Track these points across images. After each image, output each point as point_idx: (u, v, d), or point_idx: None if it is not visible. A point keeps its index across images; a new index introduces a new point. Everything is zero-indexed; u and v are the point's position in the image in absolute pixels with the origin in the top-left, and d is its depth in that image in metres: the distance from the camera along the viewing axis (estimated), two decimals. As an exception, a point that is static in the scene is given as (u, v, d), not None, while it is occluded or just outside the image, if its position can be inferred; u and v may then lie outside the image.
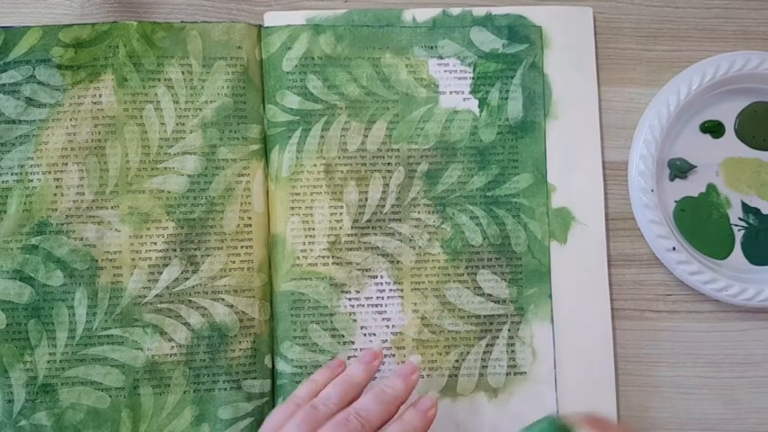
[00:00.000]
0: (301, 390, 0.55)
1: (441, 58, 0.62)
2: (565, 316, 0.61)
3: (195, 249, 0.59)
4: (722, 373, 0.61)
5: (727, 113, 0.63)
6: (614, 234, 0.62)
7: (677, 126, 0.62)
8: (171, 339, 0.58)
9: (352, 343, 0.60)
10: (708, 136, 0.63)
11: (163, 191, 0.59)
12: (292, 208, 0.60)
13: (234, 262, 0.59)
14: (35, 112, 0.59)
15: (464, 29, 0.62)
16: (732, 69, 0.61)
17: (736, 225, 0.62)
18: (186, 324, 0.59)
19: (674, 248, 0.60)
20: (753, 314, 0.62)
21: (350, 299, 0.60)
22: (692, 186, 0.62)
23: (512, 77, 0.62)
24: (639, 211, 0.61)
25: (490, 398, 0.60)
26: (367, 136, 0.61)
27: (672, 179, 0.62)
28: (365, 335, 0.60)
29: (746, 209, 0.62)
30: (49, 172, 0.59)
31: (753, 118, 0.63)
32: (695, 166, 0.62)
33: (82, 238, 0.58)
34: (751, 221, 0.62)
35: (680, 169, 0.62)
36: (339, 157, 0.61)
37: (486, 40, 0.62)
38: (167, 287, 0.59)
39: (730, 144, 0.63)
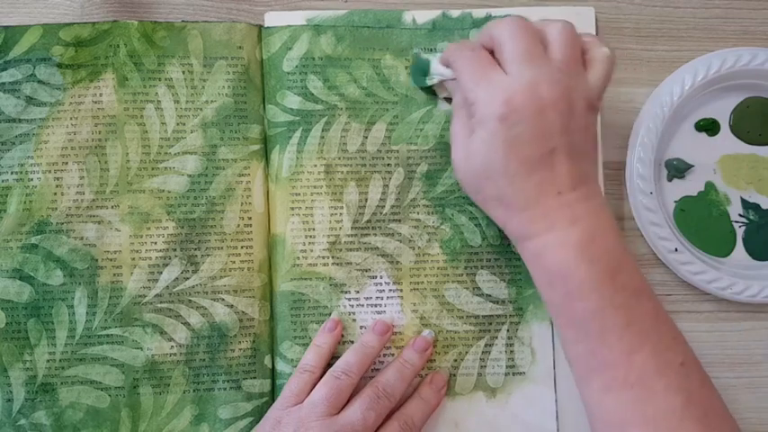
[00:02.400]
0: (309, 356, 0.58)
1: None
2: (564, 316, 0.61)
3: (195, 249, 0.59)
4: (722, 373, 0.61)
5: (722, 110, 0.63)
6: (614, 234, 0.62)
7: (672, 126, 0.62)
8: (171, 339, 0.58)
9: (352, 343, 0.60)
10: (703, 134, 0.63)
11: (163, 190, 0.59)
12: (292, 208, 0.60)
13: (234, 262, 0.59)
14: (35, 110, 0.59)
15: (464, 31, 0.63)
16: (724, 67, 0.61)
17: (736, 222, 0.62)
18: (186, 324, 0.59)
19: (676, 250, 0.60)
20: (753, 314, 0.62)
21: (349, 299, 0.60)
22: (691, 186, 0.63)
23: (512, 77, 0.62)
24: (640, 214, 0.61)
25: (489, 398, 0.60)
26: (367, 137, 0.61)
27: (670, 179, 0.63)
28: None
29: (746, 205, 0.62)
30: (50, 171, 0.59)
31: (746, 113, 0.63)
32: (692, 166, 0.63)
33: (82, 238, 0.58)
34: (751, 217, 0.62)
35: (677, 169, 0.62)
36: (339, 158, 0.61)
37: (487, 41, 0.62)
38: (167, 287, 0.59)
39: (726, 141, 0.63)
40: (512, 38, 0.49)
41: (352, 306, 0.60)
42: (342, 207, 0.61)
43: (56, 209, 0.58)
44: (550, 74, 0.49)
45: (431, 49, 0.62)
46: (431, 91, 0.59)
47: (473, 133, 0.50)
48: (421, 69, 0.57)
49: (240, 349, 0.59)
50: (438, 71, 0.56)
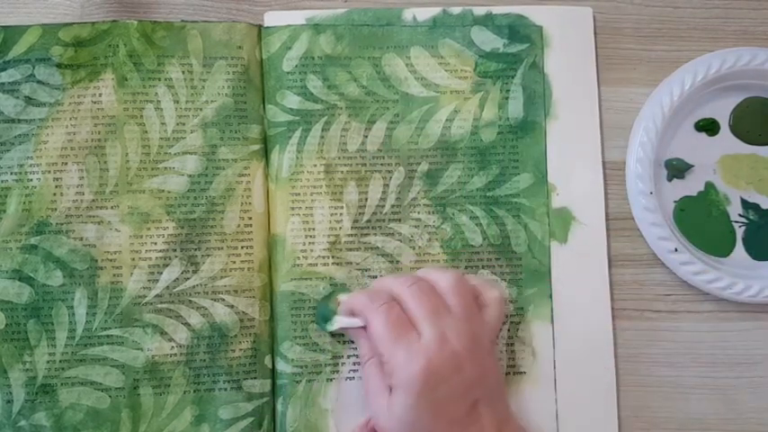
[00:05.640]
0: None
1: (441, 57, 0.62)
2: (565, 316, 0.61)
3: (195, 249, 0.59)
4: (722, 373, 0.61)
5: (721, 110, 0.63)
6: (614, 234, 0.62)
7: (672, 126, 0.62)
8: (171, 339, 0.58)
9: (352, 342, 0.60)
10: (703, 134, 0.63)
11: (163, 191, 0.59)
12: (292, 208, 0.60)
13: (234, 262, 0.59)
14: (34, 111, 0.59)
15: (464, 28, 0.63)
16: (724, 67, 0.61)
17: (736, 222, 0.62)
18: (186, 324, 0.59)
19: (675, 250, 0.60)
20: (753, 314, 0.62)
21: (350, 299, 0.60)
22: (691, 186, 0.63)
23: (512, 77, 0.62)
24: (639, 214, 0.61)
25: (490, 398, 0.60)
26: (367, 136, 0.61)
27: (670, 179, 0.63)
28: (366, 335, 0.60)
29: (746, 205, 0.62)
30: (49, 171, 0.58)
31: (746, 113, 0.63)
32: (692, 166, 0.62)
33: (82, 238, 0.58)
34: (751, 217, 0.62)
35: (677, 169, 0.62)
36: (339, 158, 0.61)
37: (487, 40, 0.62)
38: (167, 287, 0.59)
39: (726, 141, 0.63)
40: (413, 297, 0.52)
41: (353, 306, 0.60)
42: (342, 207, 0.61)
43: (55, 209, 0.58)
44: (456, 326, 0.51)
45: (326, 296, 0.60)
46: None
47: (392, 395, 0.51)
48: (323, 315, 0.59)
49: (240, 349, 0.59)
50: (342, 320, 0.57)
